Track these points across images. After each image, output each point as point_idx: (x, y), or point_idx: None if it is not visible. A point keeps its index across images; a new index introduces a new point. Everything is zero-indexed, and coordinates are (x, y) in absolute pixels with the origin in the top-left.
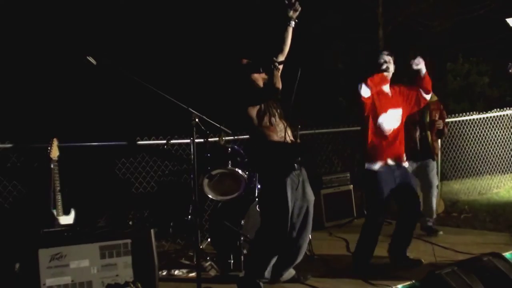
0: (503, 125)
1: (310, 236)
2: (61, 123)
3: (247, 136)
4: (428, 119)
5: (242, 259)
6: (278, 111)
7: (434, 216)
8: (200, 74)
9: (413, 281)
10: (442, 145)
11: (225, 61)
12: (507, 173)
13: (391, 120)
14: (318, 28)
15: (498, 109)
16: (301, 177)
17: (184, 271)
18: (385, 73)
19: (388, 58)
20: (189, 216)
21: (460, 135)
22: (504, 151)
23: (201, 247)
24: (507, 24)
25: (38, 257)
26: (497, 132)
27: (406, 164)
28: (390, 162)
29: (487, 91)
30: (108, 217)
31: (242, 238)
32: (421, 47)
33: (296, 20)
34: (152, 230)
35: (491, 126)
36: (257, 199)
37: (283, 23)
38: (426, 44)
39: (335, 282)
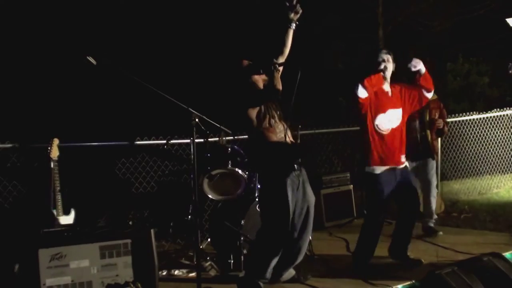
0: (503, 125)
1: (310, 236)
2: (61, 123)
3: (247, 137)
4: (427, 118)
5: (242, 259)
6: (278, 112)
7: (435, 216)
8: (200, 74)
9: (413, 281)
10: (442, 145)
11: (225, 62)
12: (507, 173)
13: (390, 120)
14: (318, 29)
15: (498, 109)
16: (301, 178)
17: (184, 271)
18: (383, 73)
19: (387, 57)
20: (189, 216)
21: (460, 135)
22: (504, 151)
23: (201, 247)
24: (507, 24)
25: (38, 257)
26: (497, 132)
27: (406, 163)
28: (390, 162)
29: (487, 91)
30: (108, 217)
31: (242, 238)
32: (421, 47)
33: (297, 23)
34: (152, 230)
35: (491, 126)
36: (257, 199)
37: (283, 24)
38: (426, 44)
39: (335, 282)
